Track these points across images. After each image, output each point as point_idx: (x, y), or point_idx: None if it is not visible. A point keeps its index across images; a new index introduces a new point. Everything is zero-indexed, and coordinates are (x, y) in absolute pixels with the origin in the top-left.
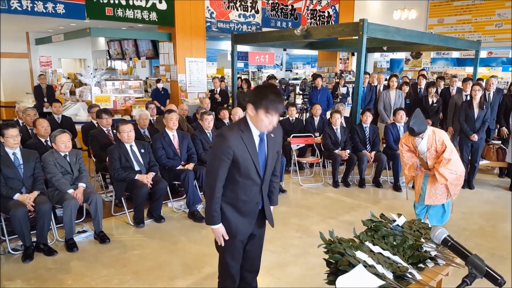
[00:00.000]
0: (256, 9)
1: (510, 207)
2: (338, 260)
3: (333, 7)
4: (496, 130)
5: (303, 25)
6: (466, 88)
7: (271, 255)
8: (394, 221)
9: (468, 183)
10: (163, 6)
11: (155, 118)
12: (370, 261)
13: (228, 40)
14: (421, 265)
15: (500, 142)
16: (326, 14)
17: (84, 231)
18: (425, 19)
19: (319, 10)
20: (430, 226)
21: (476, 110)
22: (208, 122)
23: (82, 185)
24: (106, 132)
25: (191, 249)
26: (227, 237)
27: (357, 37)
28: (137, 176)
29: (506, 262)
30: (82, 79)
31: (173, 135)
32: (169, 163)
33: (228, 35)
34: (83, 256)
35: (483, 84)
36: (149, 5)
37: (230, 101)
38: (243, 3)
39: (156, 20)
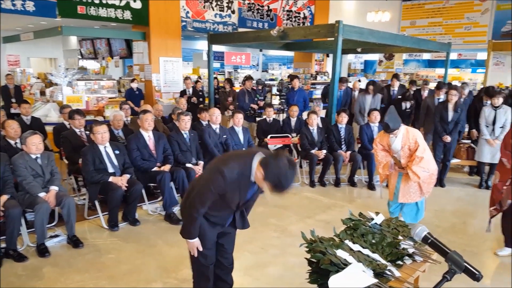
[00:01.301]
0: (232, 9)
1: (479, 205)
2: (320, 259)
3: (308, 9)
4: (466, 131)
5: (279, 26)
6: (439, 94)
7: (250, 256)
8: (372, 219)
9: (440, 182)
10: (137, 5)
11: (129, 118)
12: (350, 259)
13: (204, 40)
14: (399, 262)
15: (470, 141)
16: (301, 15)
17: (56, 236)
18: (398, 21)
19: (295, 11)
20: (407, 223)
21: (450, 113)
22: (185, 123)
23: (54, 188)
24: (78, 133)
25: (168, 252)
26: (201, 249)
27: (332, 39)
28: (112, 178)
29: (478, 257)
30: (53, 79)
31: (148, 136)
32: (145, 164)
33: (204, 35)
34: (55, 262)
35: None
36: (123, 3)
37: (206, 101)
38: (219, 3)
39: (130, 19)
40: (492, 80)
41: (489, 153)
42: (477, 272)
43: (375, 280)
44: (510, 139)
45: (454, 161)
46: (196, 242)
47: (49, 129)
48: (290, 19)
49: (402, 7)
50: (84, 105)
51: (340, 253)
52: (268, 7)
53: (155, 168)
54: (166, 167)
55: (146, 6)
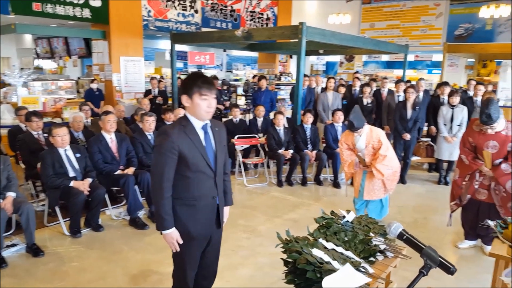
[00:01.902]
0: (195, 9)
1: (439, 200)
2: (296, 259)
3: (271, 10)
4: (425, 129)
5: (243, 27)
6: (399, 90)
7: (220, 258)
8: (344, 217)
9: (401, 179)
10: (97, 3)
11: (89, 120)
12: (326, 258)
13: (167, 39)
14: (372, 258)
15: (429, 139)
16: (265, 16)
17: (14, 245)
18: (358, 23)
19: (258, 12)
20: (377, 220)
21: (409, 111)
22: (149, 124)
23: (11, 195)
24: (36, 136)
25: (134, 258)
26: (181, 241)
27: (295, 40)
28: (73, 183)
29: (440, 250)
30: (6, 79)
31: (110, 138)
32: (107, 167)
33: (166, 34)
34: (14, 273)
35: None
36: (81, 1)
37: (170, 101)
38: (181, 2)
39: (90, 17)
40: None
41: (447, 150)
42: (451, 266)
43: (369, 279)
44: (467, 137)
45: (414, 158)
46: (174, 233)
47: (3, 132)
48: (254, 20)
49: (362, 10)
50: (41, 107)
51: (316, 252)
52: (232, 7)
53: (118, 171)
54: (130, 170)
55: (106, 4)
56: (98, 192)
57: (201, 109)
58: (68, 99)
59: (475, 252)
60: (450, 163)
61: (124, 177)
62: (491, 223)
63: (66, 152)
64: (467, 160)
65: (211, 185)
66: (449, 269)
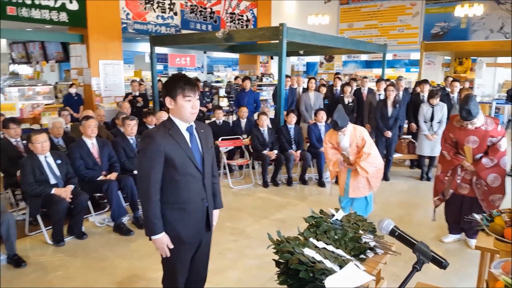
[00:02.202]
0: (174, 11)
1: (422, 196)
2: (289, 259)
3: (251, 11)
4: (406, 126)
5: (223, 28)
6: (379, 88)
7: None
8: (333, 215)
9: (384, 176)
10: (73, 6)
11: (69, 126)
12: (318, 257)
13: (146, 42)
14: (362, 256)
15: (410, 136)
16: (245, 18)
17: None
18: (336, 24)
19: (237, 14)
20: (366, 218)
21: (390, 109)
22: (131, 128)
23: None
24: (14, 143)
25: (120, 265)
26: (171, 246)
27: (275, 41)
28: (54, 190)
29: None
30: None
31: (92, 143)
32: (89, 173)
33: (145, 36)
34: None
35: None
36: (58, 4)
37: (151, 104)
38: (160, 4)
39: (67, 21)
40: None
41: (429, 147)
42: (443, 261)
43: (373, 277)
44: (448, 133)
45: (396, 155)
46: (164, 237)
47: None
48: (234, 21)
49: (340, 11)
50: (18, 113)
51: (307, 251)
52: (211, 9)
53: (101, 177)
54: (113, 175)
55: (84, 8)
56: (81, 198)
57: (186, 110)
58: (46, 104)
59: (460, 246)
60: (431, 159)
61: (107, 183)
62: (477, 216)
63: (47, 159)
64: (449, 156)
65: (199, 187)
66: (441, 264)
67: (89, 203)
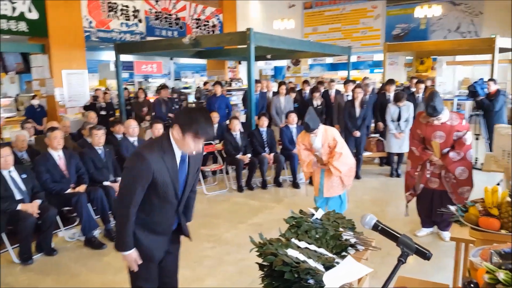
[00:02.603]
0: (139, 18)
1: (393, 192)
2: (273, 261)
3: (217, 17)
4: (373, 125)
5: (190, 34)
6: (347, 90)
7: (185, 271)
8: (313, 215)
9: (355, 174)
10: (33, 15)
11: (33, 138)
12: (301, 257)
13: (110, 50)
14: (344, 253)
15: (378, 135)
16: (211, 23)
17: None
18: (301, 28)
19: (203, 19)
20: (344, 215)
21: (357, 109)
22: (98, 138)
23: None
24: None
25: (94, 280)
26: (140, 262)
27: (243, 46)
28: (20, 206)
29: None
30: None
31: (58, 155)
32: (57, 187)
33: (110, 44)
34: None
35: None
36: (16, 14)
37: (117, 113)
38: (124, 12)
39: (26, 30)
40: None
41: (397, 144)
42: (427, 252)
43: (371, 270)
44: (416, 130)
45: (366, 154)
46: (133, 254)
47: None
48: (200, 27)
49: (304, 15)
50: None
51: (291, 252)
52: (176, 15)
53: (69, 190)
54: (81, 188)
55: (44, 17)
56: (49, 213)
57: (189, 147)
58: (7, 117)
59: (433, 239)
60: (400, 155)
61: (76, 196)
62: (452, 208)
63: (11, 174)
64: (417, 152)
65: (172, 213)
66: (425, 255)
67: (58, 217)
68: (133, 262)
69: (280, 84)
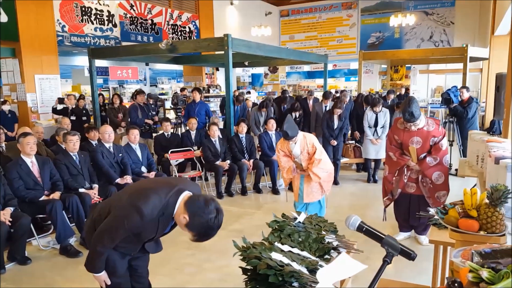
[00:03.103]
0: (113, 23)
1: (371, 197)
2: (257, 265)
3: (193, 23)
4: (349, 132)
5: (167, 39)
6: (326, 103)
7: (165, 279)
8: (296, 218)
9: (334, 180)
10: (2, 18)
11: (3, 145)
12: (285, 260)
13: (84, 55)
14: (327, 256)
15: (354, 141)
16: (187, 29)
17: None
18: (278, 35)
19: (180, 25)
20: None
21: (336, 121)
22: (73, 144)
23: None
24: None
25: None
26: (109, 282)
27: (221, 52)
28: None
29: (378, 245)
30: None
31: (31, 161)
32: (30, 194)
33: (84, 49)
34: None
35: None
36: None
37: (92, 120)
38: (98, 16)
39: None
40: (364, 86)
41: (374, 150)
42: (411, 252)
43: (365, 266)
44: (393, 135)
45: (344, 160)
46: (103, 275)
47: None
48: (176, 33)
49: (281, 22)
50: None
51: (275, 255)
52: (152, 20)
53: (43, 197)
54: (56, 195)
55: (14, 20)
56: (22, 221)
57: (182, 229)
58: None
59: (411, 243)
60: (377, 161)
61: (50, 203)
62: (432, 210)
63: None
64: (395, 157)
65: (140, 246)
66: (410, 255)
67: (32, 225)
68: (102, 281)
69: (261, 103)
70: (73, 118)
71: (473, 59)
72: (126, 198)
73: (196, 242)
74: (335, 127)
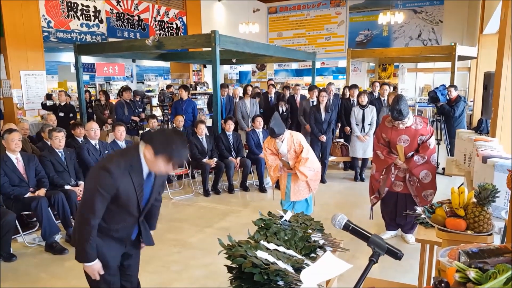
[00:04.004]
0: (100, 19)
1: (358, 196)
2: (242, 263)
3: (180, 19)
4: (338, 130)
5: (154, 35)
6: (312, 96)
7: (152, 276)
8: (282, 217)
9: (321, 178)
10: None
11: None
12: (271, 259)
13: (70, 52)
14: (313, 254)
15: (342, 140)
16: (174, 25)
17: None
18: (266, 33)
19: (167, 21)
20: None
21: (323, 114)
22: (58, 140)
23: None
24: None
25: (56, 286)
26: (102, 272)
27: (208, 49)
28: None
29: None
30: None
31: (16, 158)
32: (15, 191)
33: (70, 45)
34: None
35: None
36: None
37: (78, 116)
38: (84, 12)
39: None
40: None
41: (361, 149)
42: (398, 251)
43: (351, 266)
44: (381, 133)
45: (331, 158)
46: (97, 264)
47: None
48: (163, 29)
49: (269, 19)
50: None
51: (260, 253)
52: (139, 16)
53: (29, 194)
54: (41, 192)
55: None
56: (7, 218)
57: (159, 169)
58: None
59: (397, 241)
60: (364, 160)
61: (36, 200)
62: (419, 209)
63: None
64: (382, 155)
65: (132, 223)
66: (396, 255)
67: (17, 222)
68: (95, 272)
69: (246, 86)
70: (61, 114)
71: (461, 58)
72: (95, 166)
73: (177, 165)
74: (323, 119)
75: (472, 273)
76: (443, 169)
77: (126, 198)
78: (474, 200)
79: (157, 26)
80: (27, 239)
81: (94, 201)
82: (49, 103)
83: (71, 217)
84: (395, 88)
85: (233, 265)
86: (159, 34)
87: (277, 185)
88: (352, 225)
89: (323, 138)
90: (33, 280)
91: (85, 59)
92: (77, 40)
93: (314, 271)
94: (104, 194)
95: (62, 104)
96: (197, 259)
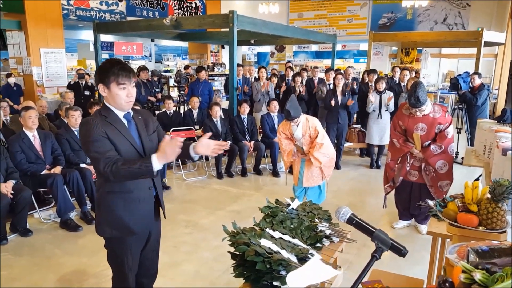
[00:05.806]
0: None
1: (372, 183)
2: (245, 251)
3: None
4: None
5: (171, 15)
6: (329, 78)
7: (162, 256)
8: (289, 205)
9: (335, 164)
10: None
11: (8, 118)
12: (274, 248)
13: (90, 30)
14: (318, 244)
15: (359, 126)
16: (193, 5)
17: None
18: (286, 13)
19: (186, 1)
20: (321, 206)
21: (339, 97)
22: (75, 119)
23: None
24: None
25: (68, 262)
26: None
27: (226, 29)
28: None
29: None
30: None
31: (33, 135)
32: (32, 168)
33: (89, 24)
34: None
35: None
36: None
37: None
38: None
39: (1, 6)
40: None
41: (378, 135)
42: (402, 248)
43: (339, 272)
44: (398, 121)
45: (347, 144)
46: (164, 158)
47: None
48: (182, 8)
49: (289, 0)
50: None
51: (264, 242)
52: None
53: (45, 171)
54: (57, 169)
55: None
56: (23, 194)
57: (120, 99)
58: None
59: (410, 231)
60: (380, 147)
61: (52, 177)
62: (430, 202)
63: None
64: (398, 143)
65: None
66: (401, 251)
67: (33, 198)
68: (170, 152)
69: (259, 68)
70: (87, 93)
71: (488, 44)
72: None
73: (125, 78)
74: (340, 102)
75: (478, 275)
76: (462, 158)
77: (120, 145)
78: (488, 195)
79: (176, 5)
80: (43, 215)
81: (98, 151)
82: (81, 82)
83: (86, 195)
84: (416, 73)
85: (237, 252)
86: (178, 14)
87: (291, 170)
88: (356, 219)
89: (333, 102)
90: (47, 256)
91: (104, 37)
92: (96, 18)
93: (300, 275)
94: (99, 139)
95: (89, 84)
96: (207, 241)
